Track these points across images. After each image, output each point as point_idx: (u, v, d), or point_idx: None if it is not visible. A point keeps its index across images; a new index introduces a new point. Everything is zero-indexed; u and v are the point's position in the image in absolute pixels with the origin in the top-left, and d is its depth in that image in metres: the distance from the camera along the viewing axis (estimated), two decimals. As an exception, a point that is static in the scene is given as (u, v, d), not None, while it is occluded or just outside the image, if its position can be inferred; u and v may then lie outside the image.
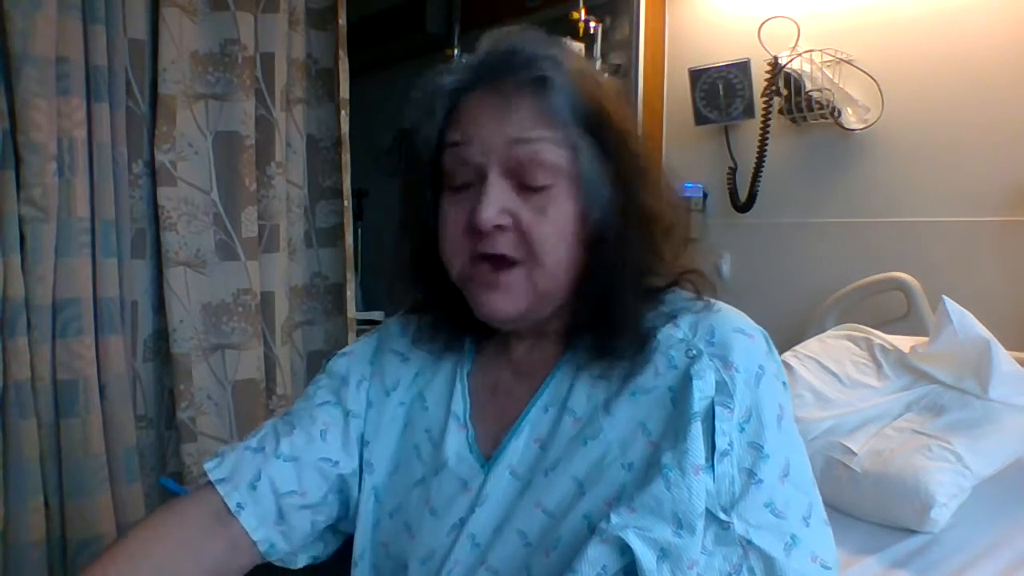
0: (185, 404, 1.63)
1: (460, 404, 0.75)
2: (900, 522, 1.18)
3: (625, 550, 0.58)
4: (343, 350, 0.84)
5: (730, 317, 0.66)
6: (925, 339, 1.39)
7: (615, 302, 0.66)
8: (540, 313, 0.68)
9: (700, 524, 0.58)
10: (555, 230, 0.65)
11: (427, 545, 0.70)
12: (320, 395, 0.80)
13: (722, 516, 0.59)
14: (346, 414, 0.78)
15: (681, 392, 0.62)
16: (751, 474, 0.60)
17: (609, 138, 0.66)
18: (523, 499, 0.67)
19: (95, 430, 1.47)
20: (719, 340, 0.64)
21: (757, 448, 0.60)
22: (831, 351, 1.48)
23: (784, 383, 0.66)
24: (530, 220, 0.64)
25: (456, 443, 0.73)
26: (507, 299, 0.66)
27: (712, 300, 0.68)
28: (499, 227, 0.64)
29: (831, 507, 1.24)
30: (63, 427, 1.45)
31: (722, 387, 0.61)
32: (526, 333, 0.73)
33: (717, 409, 0.61)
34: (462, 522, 0.69)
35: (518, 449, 0.69)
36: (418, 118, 0.69)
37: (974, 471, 1.18)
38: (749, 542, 0.59)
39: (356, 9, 2.00)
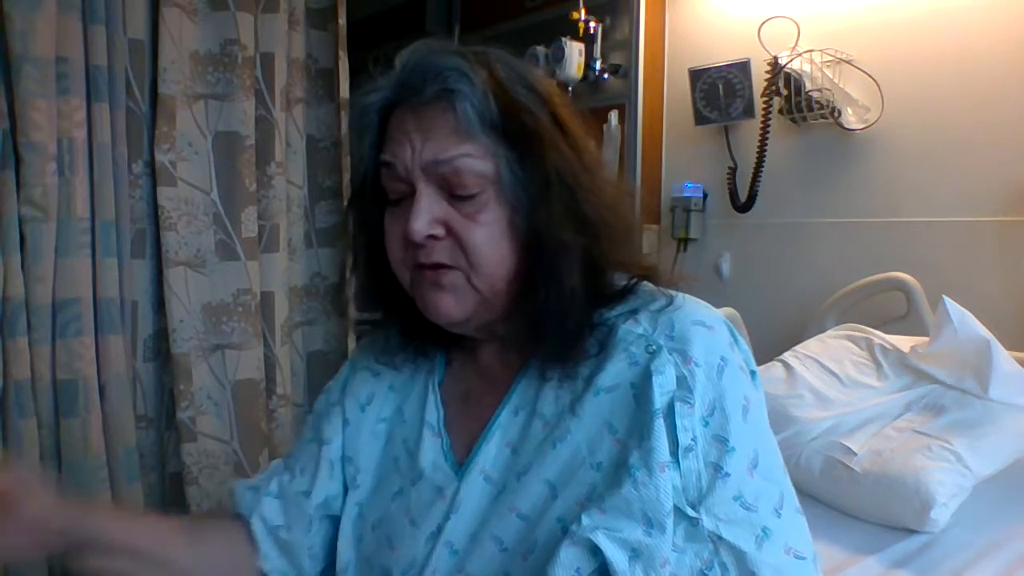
0: (185, 404, 1.63)
1: (434, 413, 0.75)
2: (900, 522, 1.18)
3: (597, 551, 0.58)
4: (325, 387, 0.87)
5: (691, 310, 0.65)
6: (925, 339, 1.40)
7: (564, 309, 0.65)
8: (488, 315, 0.68)
9: (670, 522, 0.58)
10: (488, 234, 0.64)
11: (407, 555, 0.70)
12: (306, 434, 0.84)
13: (690, 512, 0.58)
14: (320, 444, 0.80)
15: (642, 389, 0.62)
16: (717, 468, 0.59)
17: (530, 145, 0.64)
18: (497, 504, 0.67)
19: (95, 430, 1.47)
20: (678, 334, 0.63)
21: (722, 441, 0.60)
22: (831, 351, 1.48)
23: (753, 373, 0.65)
24: (462, 227, 0.64)
25: (431, 452, 0.73)
26: (453, 300, 0.66)
27: (675, 294, 0.68)
28: (432, 237, 0.65)
29: (831, 507, 1.26)
30: (63, 427, 1.45)
31: (682, 382, 0.61)
32: (489, 338, 0.73)
33: (677, 405, 0.60)
34: (439, 530, 0.69)
35: (490, 454, 0.69)
36: (352, 139, 0.71)
37: (974, 471, 1.19)
38: (719, 537, 0.58)
39: (356, 9, 2.00)
